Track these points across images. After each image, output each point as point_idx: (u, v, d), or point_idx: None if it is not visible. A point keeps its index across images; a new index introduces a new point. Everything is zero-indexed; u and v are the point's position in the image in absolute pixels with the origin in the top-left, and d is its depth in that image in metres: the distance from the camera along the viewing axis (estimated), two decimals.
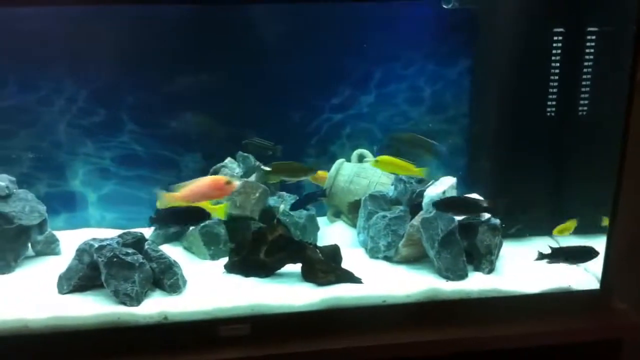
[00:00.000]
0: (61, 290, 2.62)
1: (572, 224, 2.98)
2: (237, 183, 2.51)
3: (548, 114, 3.07)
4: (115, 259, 2.53)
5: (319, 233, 3.27)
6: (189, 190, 2.58)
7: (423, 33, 3.49)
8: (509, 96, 3.15)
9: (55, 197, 3.36)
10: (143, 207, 3.49)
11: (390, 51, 3.50)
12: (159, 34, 3.23)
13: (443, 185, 2.90)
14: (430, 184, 2.97)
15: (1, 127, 3.26)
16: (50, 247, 3.09)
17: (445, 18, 3.37)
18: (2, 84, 3.22)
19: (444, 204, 2.75)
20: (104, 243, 2.58)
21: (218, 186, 2.55)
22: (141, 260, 2.59)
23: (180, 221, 2.74)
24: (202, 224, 3.02)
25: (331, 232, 3.31)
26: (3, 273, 2.86)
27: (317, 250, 2.77)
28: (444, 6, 3.28)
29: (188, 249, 3.11)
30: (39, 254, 3.08)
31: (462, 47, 3.49)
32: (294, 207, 3.14)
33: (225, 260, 2.92)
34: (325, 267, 2.73)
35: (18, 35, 3.13)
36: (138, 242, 2.68)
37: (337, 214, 3.49)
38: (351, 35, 3.41)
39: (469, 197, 2.91)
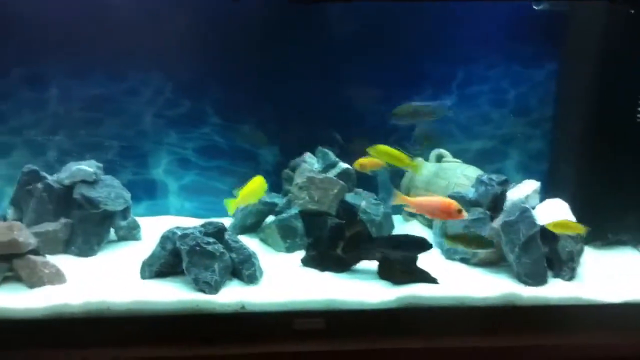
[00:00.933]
0: (143, 276, 2.69)
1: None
2: (465, 214, 2.55)
3: (639, 119, 2.98)
4: (197, 248, 2.59)
5: (394, 232, 3.25)
6: (420, 201, 2.61)
7: (510, 34, 3.43)
8: (595, 100, 3.07)
9: (138, 185, 3.46)
10: (221, 197, 3.55)
11: (474, 52, 3.45)
12: (246, 29, 3.29)
13: (525, 189, 2.85)
14: (513, 187, 2.91)
15: (90, 115, 3.39)
16: (132, 233, 3.19)
17: (534, 19, 3.31)
18: (91, 73, 3.34)
19: None
20: (187, 231, 2.64)
21: (448, 209, 2.55)
22: (222, 250, 2.63)
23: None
24: (280, 217, 3.07)
25: (406, 231, 3.28)
26: (87, 256, 2.97)
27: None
28: (534, 7, 3.21)
29: (264, 240, 3.15)
30: (121, 239, 3.18)
31: (549, 49, 3.41)
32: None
33: (300, 253, 2.95)
34: (402, 265, 2.72)
35: (107, 25, 3.24)
36: (219, 232, 2.72)
37: (413, 214, 3.46)
38: (435, 35, 3.38)
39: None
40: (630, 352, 2.57)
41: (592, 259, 2.91)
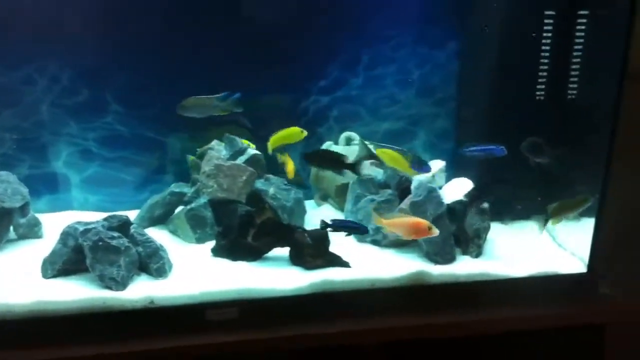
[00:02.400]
0: (45, 275, 2.58)
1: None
2: (436, 231, 2.54)
3: (537, 98, 3.06)
4: (100, 243, 2.49)
5: (306, 217, 3.24)
6: (394, 223, 2.62)
7: (412, 15, 3.46)
8: (497, 80, 3.13)
9: (38, 179, 3.29)
10: (127, 189, 3.45)
11: (379, 33, 3.46)
12: (145, 11, 3.18)
13: (432, 169, 2.88)
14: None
15: None
16: (33, 230, 3.04)
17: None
18: None
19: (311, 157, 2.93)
20: (89, 226, 2.54)
21: (419, 228, 2.56)
22: (127, 244, 2.55)
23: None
24: (188, 207, 3.00)
25: (319, 216, 3.25)
26: None
27: (306, 234, 2.74)
28: None
29: (174, 232, 3.08)
30: (21, 237, 3.03)
31: (451, 30, 3.46)
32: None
33: (211, 243, 2.89)
34: (313, 251, 2.71)
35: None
36: (124, 226, 2.64)
37: (325, 198, 3.47)
38: (340, 16, 3.37)
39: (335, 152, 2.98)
40: (534, 324, 2.66)
41: (499, 235, 2.98)
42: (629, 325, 2.74)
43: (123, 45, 3.21)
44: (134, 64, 3.25)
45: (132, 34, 3.20)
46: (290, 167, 3.17)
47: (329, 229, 2.75)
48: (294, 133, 3.08)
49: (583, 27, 2.97)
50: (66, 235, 2.57)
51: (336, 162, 2.84)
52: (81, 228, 2.54)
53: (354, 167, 2.78)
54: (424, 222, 2.55)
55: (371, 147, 2.85)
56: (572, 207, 2.76)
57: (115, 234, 2.55)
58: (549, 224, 2.75)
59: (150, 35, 3.22)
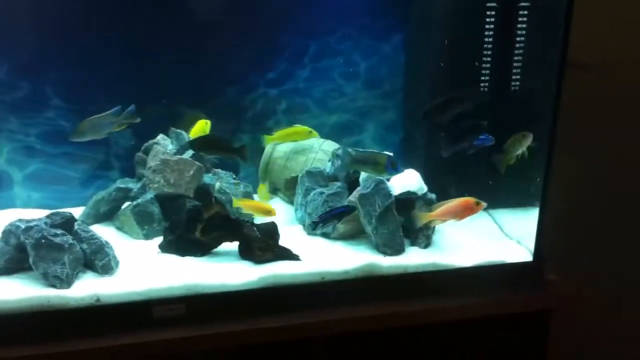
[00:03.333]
0: None
1: None
2: (484, 203, 2.63)
3: (482, 89, 3.10)
4: (43, 240, 2.43)
5: None
6: (444, 210, 2.67)
7: (356, 6, 3.47)
8: (442, 71, 3.16)
9: None
10: (71, 186, 3.38)
11: (325, 25, 3.46)
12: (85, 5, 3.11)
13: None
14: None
15: None
16: None
17: None
18: None
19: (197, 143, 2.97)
20: (31, 224, 2.47)
21: (469, 205, 2.63)
22: (71, 241, 2.49)
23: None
24: (134, 203, 2.95)
25: None
26: None
27: (254, 228, 2.72)
28: None
29: (120, 228, 3.02)
30: None
31: (397, 20, 3.48)
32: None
33: (159, 239, 2.84)
34: (262, 244, 2.70)
35: None
36: (67, 223, 2.58)
37: (274, 191, 3.45)
38: (286, 8, 3.36)
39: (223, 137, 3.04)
40: (482, 311, 2.71)
41: (447, 226, 3.00)
42: (573, 311, 2.81)
43: (64, 39, 3.14)
44: (75, 57, 3.18)
45: (74, 27, 3.14)
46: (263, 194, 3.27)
47: (320, 224, 2.80)
48: (301, 132, 3.21)
49: (524, 19, 3.02)
50: (8, 233, 2.50)
51: (223, 148, 2.95)
52: (23, 226, 2.47)
53: (240, 152, 2.91)
54: (471, 200, 2.62)
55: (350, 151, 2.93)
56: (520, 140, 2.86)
57: (59, 231, 2.49)
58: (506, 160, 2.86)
59: (92, 28, 3.16)
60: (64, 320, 2.38)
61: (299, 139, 3.30)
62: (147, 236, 2.94)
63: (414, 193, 2.90)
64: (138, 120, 2.89)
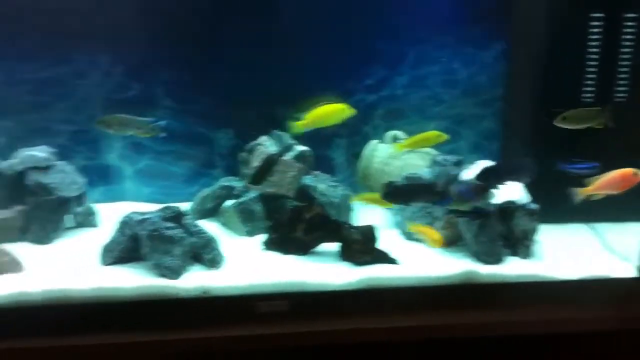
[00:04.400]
0: (103, 262, 2.66)
1: None
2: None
3: (584, 100, 3.05)
4: (156, 233, 2.56)
5: (353, 214, 3.27)
6: (600, 184, 2.66)
7: (457, 15, 3.48)
8: (543, 81, 3.13)
9: (93, 170, 3.38)
10: (177, 182, 3.53)
11: (424, 33, 3.49)
12: (196, 8, 3.26)
13: (478, 169, 2.90)
14: (467, 167, 2.96)
15: (41, 99, 3.30)
16: (88, 219, 3.13)
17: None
18: (39, 56, 3.25)
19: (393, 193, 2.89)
20: (146, 216, 2.61)
21: (627, 178, 2.62)
22: (181, 234, 2.61)
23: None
24: (239, 201, 3.06)
25: (365, 213, 3.32)
26: (43, 243, 2.91)
27: (354, 230, 2.77)
28: None
29: (224, 224, 3.14)
30: (77, 225, 3.12)
31: (499, 29, 3.46)
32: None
33: (261, 237, 2.94)
34: (362, 247, 2.75)
35: (53, 6, 3.16)
36: (178, 217, 2.70)
37: None
38: (385, 16, 3.40)
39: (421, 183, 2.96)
40: (581, 326, 2.66)
41: (548, 236, 2.97)
42: None
43: (175, 43, 3.30)
44: (185, 60, 3.34)
45: (185, 31, 3.28)
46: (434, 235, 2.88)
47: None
48: (338, 110, 2.93)
49: (631, 29, 2.96)
50: (124, 224, 2.65)
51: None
52: (138, 218, 2.61)
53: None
54: (629, 170, 2.59)
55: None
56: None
57: (170, 224, 2.62)
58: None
59: (202, 31, 3.30)
60: (174, 310, 2.50)
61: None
62: (250, 233, 3.05)
63: (515, 202, 2.88)
64: (162, 135, 2.92)
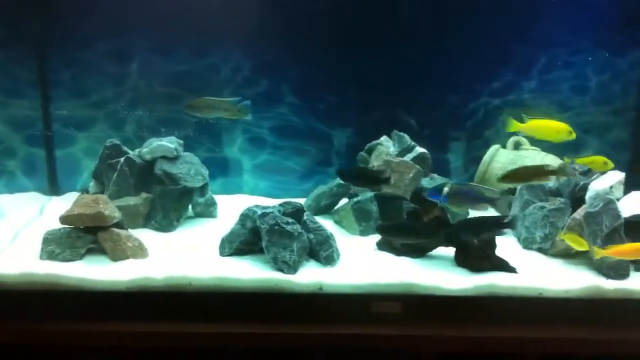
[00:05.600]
0: (222, 252, 2.73)
1: None
2: None
3: None
4: (276, 227, 2.60)
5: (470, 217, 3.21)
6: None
7: (594, 20, 3.34)
8: None
9: (213, 162, 3.47)
10: (293, 178, 3.58)
11: (557, 37, 3.37)
12: (325, 8, 3.28)
13: (610, 180, 2.78)
14: (596, 177, 2.85)
15: (170, 91, 3.43)
16: (208, 210, 3.23)
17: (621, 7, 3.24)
18: (173, 49, 3.39)
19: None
20: (267, 210, 2.66)
21: None
22: (300, 230, 2.64)
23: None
24: (355, 200, 3.06)
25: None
26: (166, 231, 3.03)
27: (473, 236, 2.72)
28: None
29: (338, 222, 3.16)
30: (198, 215, 3.23)
31: (636, 37, 3.31)
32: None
33: (375, 237, 2.94)
34: (480, 253, 2.69)
35: (189, 1, 3.29)
36: (297, 213, 2.74)
37: None
38: (518, 19, 3.31)
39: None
40: None
41: None
42: None
43: (303, 41, 3.36)
44: (313, 59, 3.39)
45: (315, 32, 3.33)
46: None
47: None
48: (560, 130, 2.86)
49: None
50: (245, 217, 2.71)
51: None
52: (259, 211, 2.66)
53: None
54: None
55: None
56: None
57: (290, 220, 2.65)
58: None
59: (332, 32, 3.34)
60: (289, 304, 2.54)
61: (552, 138, 2.96)
62: (364, 233, 3.05)
63: None
64: (249, 117, 2.96)
